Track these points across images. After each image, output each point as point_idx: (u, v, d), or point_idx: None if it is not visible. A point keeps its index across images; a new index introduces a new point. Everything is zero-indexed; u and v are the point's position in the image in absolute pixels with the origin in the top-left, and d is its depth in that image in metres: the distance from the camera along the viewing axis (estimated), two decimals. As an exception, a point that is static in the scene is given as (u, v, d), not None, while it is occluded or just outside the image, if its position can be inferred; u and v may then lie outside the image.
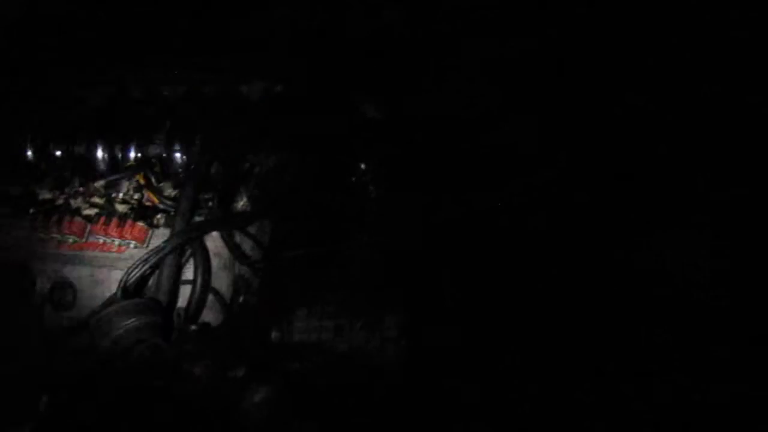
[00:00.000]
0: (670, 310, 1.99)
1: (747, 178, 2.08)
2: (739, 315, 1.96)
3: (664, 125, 2.16)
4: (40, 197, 2.09)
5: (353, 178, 2.08)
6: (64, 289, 2.01)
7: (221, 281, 2.01)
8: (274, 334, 1.93)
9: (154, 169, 2.07)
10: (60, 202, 2.08)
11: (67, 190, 2.09)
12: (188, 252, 2.00)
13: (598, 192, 2.12)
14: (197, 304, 1.96)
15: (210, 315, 1.99)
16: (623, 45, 2.17)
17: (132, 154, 2.09)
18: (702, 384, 1.86)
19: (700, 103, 2.12)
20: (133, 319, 1.83)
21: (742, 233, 2.06)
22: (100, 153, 2.08)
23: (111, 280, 2.00)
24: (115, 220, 2.02)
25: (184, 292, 1.98)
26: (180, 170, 2.08)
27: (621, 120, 2.17)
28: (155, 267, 1.95)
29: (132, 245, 2.02)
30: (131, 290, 1.93)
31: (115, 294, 1.92)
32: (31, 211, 2.08)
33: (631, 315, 1.99)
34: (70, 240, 2.03)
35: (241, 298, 2.00)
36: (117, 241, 2.03)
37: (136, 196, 2.07)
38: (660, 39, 2.15)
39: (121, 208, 2.05)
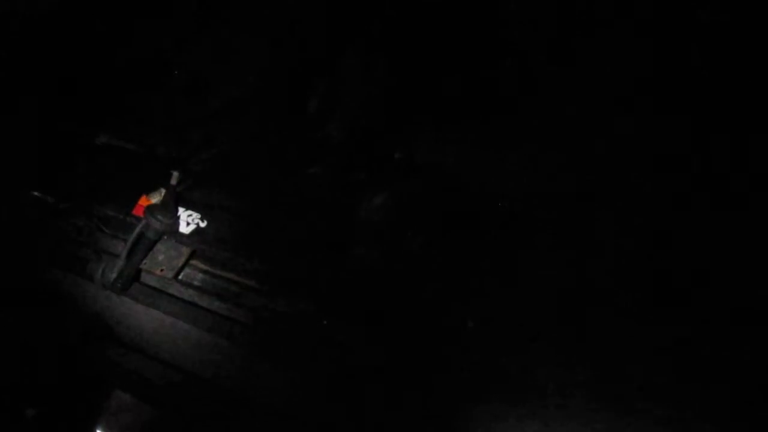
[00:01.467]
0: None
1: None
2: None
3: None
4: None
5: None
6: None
7: (350, 98, 2.00)
8: (397, 154, 1.90)
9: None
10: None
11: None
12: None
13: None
14: (323, 114, 1.97)
15: (334, 128, 1.99)
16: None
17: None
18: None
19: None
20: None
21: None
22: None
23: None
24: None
25: (312, 105, 1.99)
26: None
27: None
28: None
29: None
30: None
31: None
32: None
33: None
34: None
35: (365, 119, 1.99)
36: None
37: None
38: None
39: None
